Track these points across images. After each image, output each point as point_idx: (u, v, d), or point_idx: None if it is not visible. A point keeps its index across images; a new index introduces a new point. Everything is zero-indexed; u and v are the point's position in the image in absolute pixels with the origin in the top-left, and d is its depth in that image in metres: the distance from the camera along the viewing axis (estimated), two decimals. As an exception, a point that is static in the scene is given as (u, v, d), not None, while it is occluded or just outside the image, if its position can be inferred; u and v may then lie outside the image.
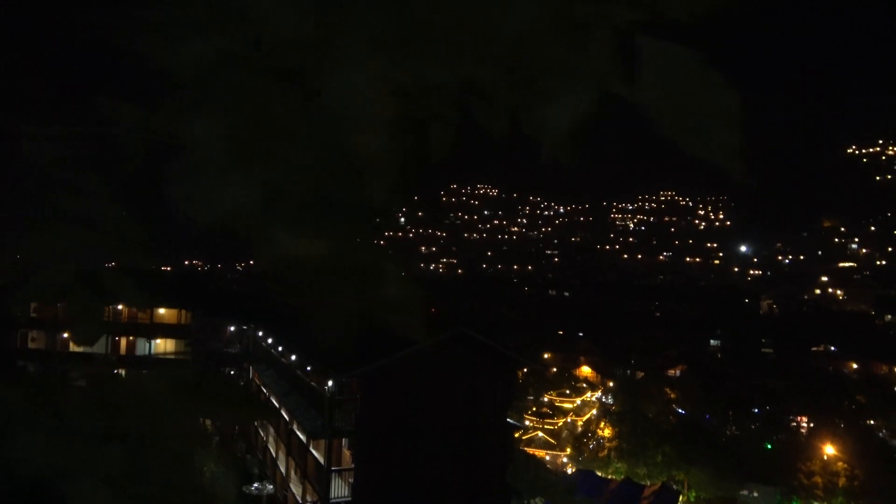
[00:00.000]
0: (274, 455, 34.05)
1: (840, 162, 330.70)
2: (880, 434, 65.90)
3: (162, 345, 49.60)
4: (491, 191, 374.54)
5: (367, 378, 23.90)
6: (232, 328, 58.56)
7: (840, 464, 54.70)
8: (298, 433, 27.72)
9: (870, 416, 69.49)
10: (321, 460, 24.49)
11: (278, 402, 32.06)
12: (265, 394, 36.61)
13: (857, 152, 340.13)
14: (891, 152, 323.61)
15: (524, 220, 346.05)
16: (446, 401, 24.74)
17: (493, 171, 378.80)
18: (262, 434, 38.39)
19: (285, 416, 30.44)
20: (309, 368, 28.74)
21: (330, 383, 24.94)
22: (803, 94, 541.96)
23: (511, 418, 35.03)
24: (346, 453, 25.67)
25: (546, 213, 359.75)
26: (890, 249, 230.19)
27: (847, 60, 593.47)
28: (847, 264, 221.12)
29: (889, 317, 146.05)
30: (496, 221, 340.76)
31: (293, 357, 31.58)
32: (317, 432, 24.59)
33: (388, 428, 23.93)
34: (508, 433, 28.17)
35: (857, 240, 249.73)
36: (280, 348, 35.06)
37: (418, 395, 24.31)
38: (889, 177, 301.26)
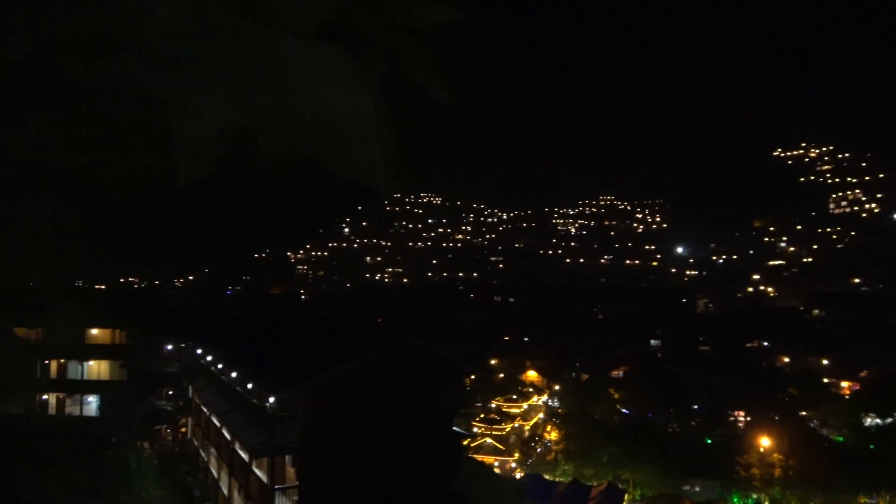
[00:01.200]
0: (216, 476, 33.05)
1: (767, 164, 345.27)
2: (812, 424, 68.65)
3: (95, 367, 47.53)
4: (435, 199, 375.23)
5: (312, 392, 23.47)
6: (170, 346, 56.74)
7: (776, 455, 56.70)
8: (241, 452, 27.00)
9: (802, 407, 72.37)
10: (264, 479, 23.91)
11: (219, 421, 31.17)
12: (206, 413, 35.56)
13: (782, 154, 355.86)
14: (813, 154, 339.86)
15: (468, 228, 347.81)
16: (393, 411, 24.53)
17: (436, 180, 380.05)
18: (203, 455, 37.24)
19: (227, 435, 29.61)
20: (251, 385, 28.05)
21: (272, 399, 24.39)
22: (733, 99, 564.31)
23: (459, 426, 35.05)
24: (291, 471, 25.11)
25: (490, 219, 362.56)
26: (815, 247, 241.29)
27: (774, 68, 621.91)
28: (777, 262, 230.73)
29: (817, 311, 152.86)
30: (440, 229, 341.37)
31: (234, 374, 30.78)
32: (259, 450, 24.00)
33: (334, 442, 23.55)
34: (456, 441, 28.15)
35: (785, 238, 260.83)
36: (221, 365, 34.13)
37: (364, 406, 24.02)
38: (812, 177, 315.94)
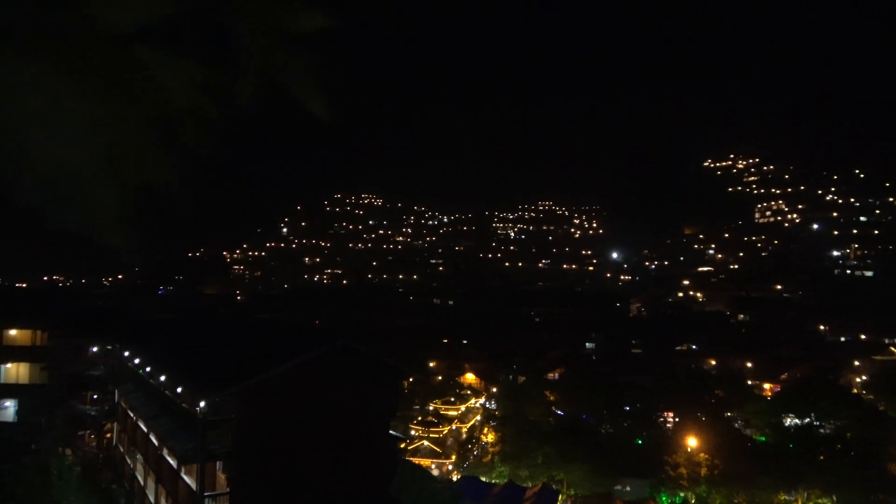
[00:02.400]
0: (142, 483, 31.89)
1: (698, 174, 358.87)
2: (736, 425, 71.39)
3: (14, 370, 45.12)
4: (376, 200, 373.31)
5: (244, 395, 22.94)
6: (95, 348, 54.42)
7: (702, 454, 58.77)
8: (169, 458, 26.14)
9: (727, 408, 75.12)
10: (193, 486, 23.21)
11: (147, 426, 30.10)
12: (132, 418, 34.28)
13: (712, 165, 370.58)
14: (741, 166, 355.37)
15: (409, 230, 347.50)
16: (328, 415, 24.23)
17: (378, 181, 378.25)
18: (129, 461, 35.86)
19: (155, 441, 28.62)
20: (181, 388, 27.19)
21: (203, 403, 23.71)
22: (667, 111, 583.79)
23: (396, 429, 34.90)
24: (221, 477, 24.47)
25: (430, 222, 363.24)
26: (741, 254, 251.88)
27: (706, 82, 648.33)
28: (706, 268, 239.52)
29: (742, 316, 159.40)
30: (381, 231, 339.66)
31: (164, 377, 29.78)
32: (189, 456, 23.29)
33: (268, 446, 23.08)
34: (392, 445, 28.01)
35: (713, 245, 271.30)
36: (149, 368, 32.96)
37: (298, 410, 23.64)
38: (739, 188, 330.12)
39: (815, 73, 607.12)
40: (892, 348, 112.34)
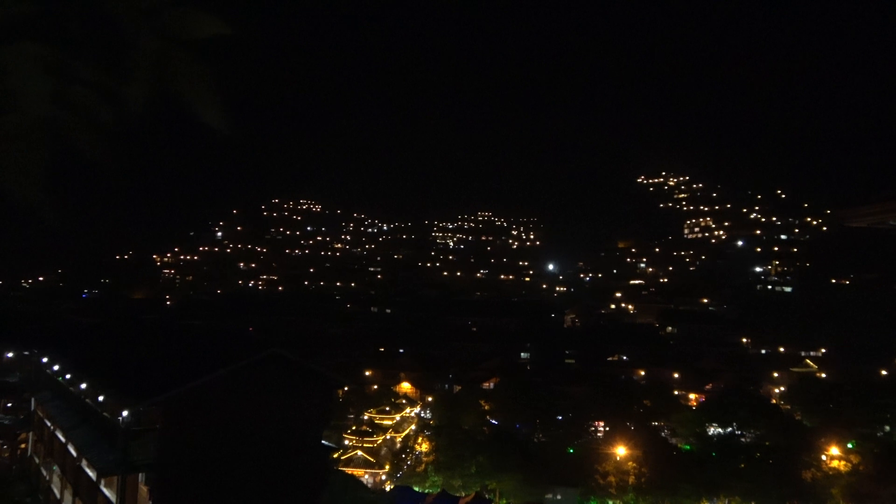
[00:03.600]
0: (59, 496, 30.37)
1: (632, 190, 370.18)
2: (663, 434, 73.60)
3: (-83, 376, 42.28)
4: (314, 206, 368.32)
5: (170, 405, 22.21)
6: (11, 354, 51.57)
7: (630, 463, 60.34)
8: (88, 470, 25.01)
9: (655, 417, 77.39)
10: (113, 499, 22.28)
11: (65, 436, 28.72)
12: (49, 427, 32.64)
13: (645, 182, 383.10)
14: (672, 183, 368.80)
15: (347, 237, 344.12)
16: (258, 425, 23.71)
17: (317, 187, 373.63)
18: (45, 473, 34.10)
19: (73, 452, 27.33)
20: (102, 397, 26.09)
21: (126, 413, 22.82)
22: (603, 128, 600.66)
23: (329, 439, 34.42)
24: (144, 489, 23.58)
25: (370, 230, 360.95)
26: (670, 268, 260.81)
27: (640, 102, 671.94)
28: (637, 282, 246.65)
29: (670, 328, 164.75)
30: (319, 237, 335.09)
31: (84, 385, 28.50)
32: (109, 468, 22.35)
33: (194, 457, 22.39)
34: (324, 455, 27.65)
35: (645, 259, 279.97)
36: (69, 375, 31.49)
37: (226, 420, 23.04)
38: (670, 204, 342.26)
39: (743, 99, 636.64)
40: (808, 361, 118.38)
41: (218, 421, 22.77)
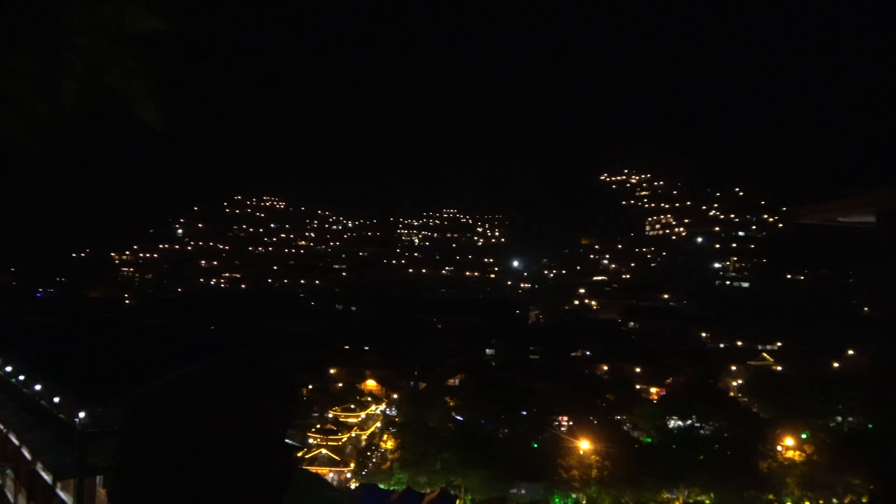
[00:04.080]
0: (13, 501, 29.52)
1: (595, 188, 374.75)
2: (625, 427, 74.89)
3: None
4: (278, 203, 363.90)
5: (130, 405, 21.78)
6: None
7: (593, 457, 61.25)
8: (43, 473, 24.37)
9: (617, 412, 78.67)
10: (69, 503, 21.77)
11: (18, 439, 27.92)
12: (2, 430, 31.68)
13: (608, 179, 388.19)
14: (634, 181, 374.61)
15: (312, 234, 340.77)
16: (220, 426, 23.40)
17: (280, 184, 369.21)
18: (-4, 478, 33.09)
19: (27, 455, 26.59)
20: (58, 398, 25.44)
21: (83, 414, 22.29)
22: (567, 126, 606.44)
23: (293, 438, 34.16)
24: (102, 492, 23.09)
25: (334, 227, 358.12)
26: (633, 265, 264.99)
27: (601, 99, 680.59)
28: (600, 278, 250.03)
29: (632, 324, 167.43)
30: (283, 235, 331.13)
31: (39, 386, 27.75)
32: (65, 470, 21.83)
33: (154, 459, 22.01)
34: (288, 454, 27.44)
35: (608, 256, 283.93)
36: (23, 376, 30.61)
37: (187, 421, 22.69)
38: (632, 202, 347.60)
39: (702, 99, 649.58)
40: (765, 354, 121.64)
41: (179, 421, 22.40)
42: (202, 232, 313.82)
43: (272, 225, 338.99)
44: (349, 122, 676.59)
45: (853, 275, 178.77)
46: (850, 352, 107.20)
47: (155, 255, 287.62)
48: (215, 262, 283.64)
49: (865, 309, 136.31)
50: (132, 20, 2.05)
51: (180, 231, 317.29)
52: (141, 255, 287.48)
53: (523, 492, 58.27)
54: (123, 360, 26.67)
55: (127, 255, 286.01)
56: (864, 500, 52.95)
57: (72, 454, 21.93)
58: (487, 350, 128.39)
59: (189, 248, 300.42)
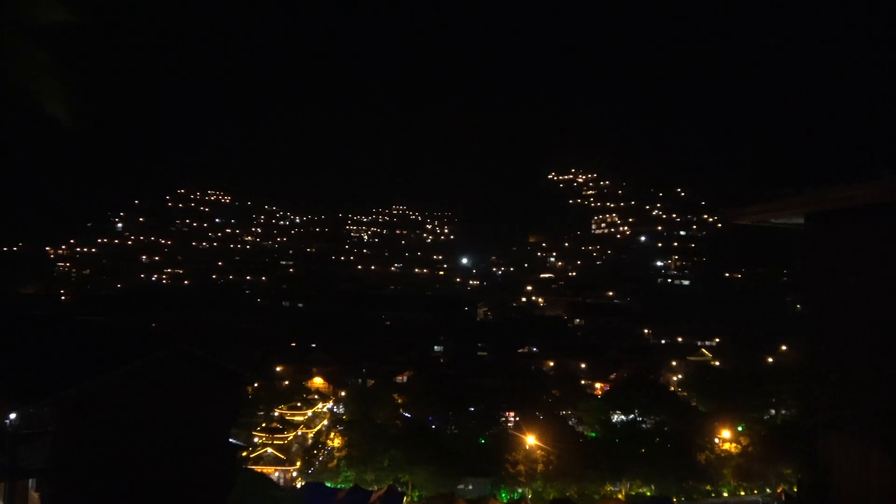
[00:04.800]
0: (-65, 507, 28.09)
1: (543, 186, 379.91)
2: (570, 422, 76.26)
3: None
4: (223, 197, 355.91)
5: (64, 406, 20.99)
6: None
7: (539, 451, 62.20)
8: (-30, 478, 23.25)
9: (563, 407, 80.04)
10: (-1, 507, 20.86)
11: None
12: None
13: (556, 178, 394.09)
14: (581, 180, 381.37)
15: (258, 230, 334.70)
16: (161, 424, 22.80)
17: (226, 178, 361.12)
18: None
19: (-48, 459, 25.32)
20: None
21: (13, 415, 21.38)
22: (516, 125, 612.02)
23: (237, 437, 33.53)
24: (35, 496, 22.20)
25: (282, 222, 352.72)
26: (579, 262, 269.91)
27: (551, 100, 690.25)
28: (547, 275, 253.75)
29: (578, 320, 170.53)
30: (228, 230, 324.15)
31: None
32: (-6, 474, 20.88)
33: (90, 461, 21.28)
34: (232, 453, 26.91)
35: (555, 254, 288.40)
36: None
37: (127, 420, 22.03)
38: (579, 200, 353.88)
39: (645, 101, 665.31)
40: (704, 350, 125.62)
41: (117, 421, 21.73)
42: (143, 226, 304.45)
43: (217, 219, 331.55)
44: (298, 116, 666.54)
45: (787, 273, 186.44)
46: (784, 347, 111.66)
47: (93, 250, 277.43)
48: (157, 258, 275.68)
49: (798, 306, 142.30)
50: (39, 12, 2.00)
51: (120, 225, 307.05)
52: (78, 249, 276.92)
53: (470, 487, 58.71)
54: (57, 359, 25.67)
55: (63, 249, 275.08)
56: (794, 490, 55.30)
57: (2, 457, 21.01)
58: (436, 347, 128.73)
59: (129, 242, 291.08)
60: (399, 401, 77.92)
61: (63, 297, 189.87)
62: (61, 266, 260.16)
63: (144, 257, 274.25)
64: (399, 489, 54.21)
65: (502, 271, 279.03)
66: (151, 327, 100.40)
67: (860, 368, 6.86)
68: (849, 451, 6.95)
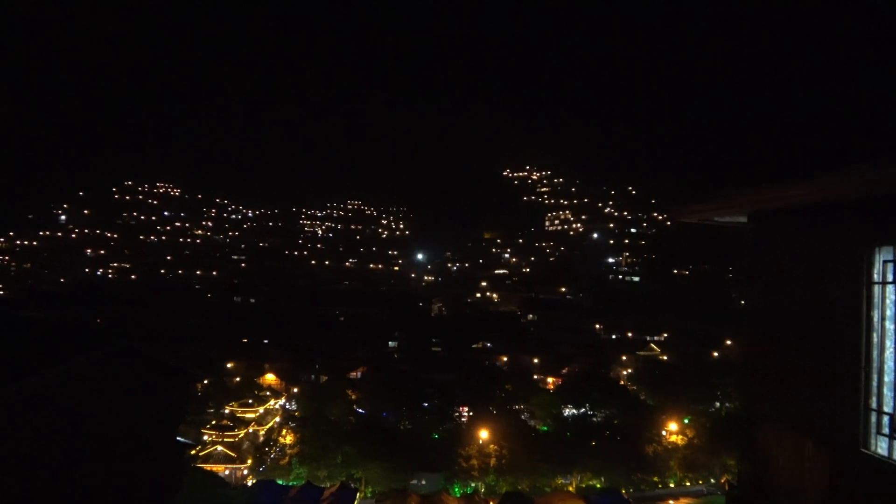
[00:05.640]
0: None
1: (498, 183, 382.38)
2: (523, 416, 77.07)
3: None
4: (173, 190, 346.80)
5: (1, 405, 20.17)
6: None
7: (492, 446, 62.74)
8: None
9: (515, 401, 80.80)
10: (-70, 511, 19.93)
11: None
12: None
13: (510, 175, 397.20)
14: (535, 177, 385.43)
15: (209, 224, 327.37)
16: (105, 423, 22.13)
17: (176, 170, 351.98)
18: None
19: None
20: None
21: (-54, 416, 20.43)
22: (471, 122, 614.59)
23: (186, 435, 32.84)
24: (-32, 498, 21.27)
25: (234, 216, 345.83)
26: (533, 258, 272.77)
27: (506, 98, 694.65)
28: (501, 271, 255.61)
29: (531, 316, 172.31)
30: (178, 223, 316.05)
31: None
32: (-75, 477, 19.91)
33: (29, 462, 20.52)
34: (180, 452, 26.31)
35: (509, 250, 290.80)
36: None
37: (69, 419, 21.31)
38: (534, 197, 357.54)
39: (598, 100, 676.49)
40: (653, 345, 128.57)
41: (58, 421, 21.00)
42: (88, 219, 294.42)
43: (166, 213, 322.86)
44: (251, 109, 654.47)
45: (731, 270, 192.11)
46: (728, 342, 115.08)
47: (34, 243, 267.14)
48: (102, 251, 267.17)
49: (742, 302, 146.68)
50: None
51: (63, 217, 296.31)
52: (18, 242, 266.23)
53: (424, 482, 58.84)
54: (-6, 356, 24.66)
55: (2, 242, 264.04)
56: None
57: (-68, 459, 20.08)
58: (390, 342, 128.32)
59: (73, 235, 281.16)
60: (353, 397, 77.48)
61: (1, 292, 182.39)
62: (0, 259, 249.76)
63: (89, 251, 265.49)
64: (352, 485, 54.00)
65: (457, 267, 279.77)
66: (96, 323, 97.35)
67: (795, 362, 7.13)
68: (784, 441, 7.22)
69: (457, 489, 59.79)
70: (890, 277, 5.83)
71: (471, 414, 74.57)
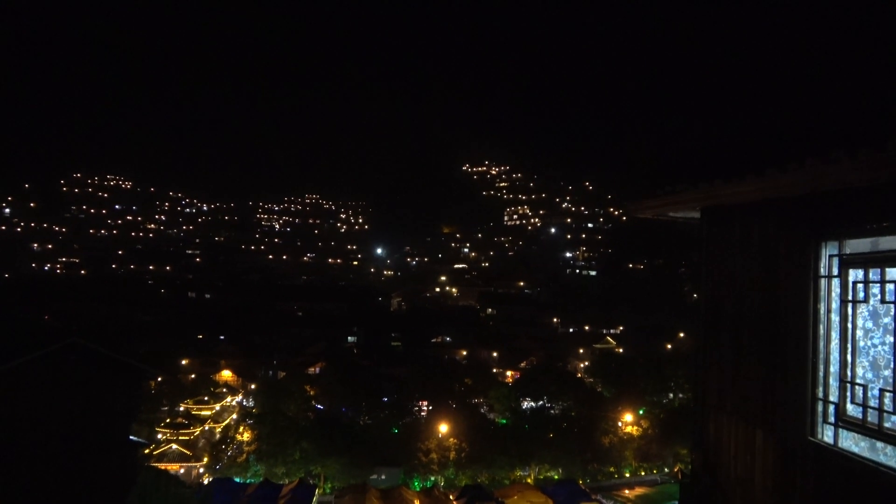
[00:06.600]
0: None
1: (457, 178, 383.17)
2: (482, 410, 77.56)
3: None
4: (124, 183, 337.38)
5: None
6: None
7: (451, 440, 63.00)
8: None
9: (474, 395, 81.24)
10: None
11: None
12: None
13: (469, 170, 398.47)
14: (494, 172, 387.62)
15: (162, 217, 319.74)
16: (53, 423, 21.47)
17: (127, 162, 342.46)
18: None
19: None
20: None
21: None
22: (430, 118, 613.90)
23: (139, 434, 32.08)
24: None
25: (187, 210, 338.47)
26: (492, 253, 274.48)
27: (465, 94, 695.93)
28: (460, 266, 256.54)
29: (490, 310, 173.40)
30: (129, 217, 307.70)
31: None
32: None
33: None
34: (132, 451, 25.70)
35: (468, 245, 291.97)
36: None
37: (15, 418, 20.60)
38: (492, 192, 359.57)
39: (556, 97, 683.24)
40: (608, 338, 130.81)
41: (4, 420, 20.28)
42: (33, 211, 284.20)
43: (116, 206, 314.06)
44: (207, 100, 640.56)
45: (684, 265, 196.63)
46: (681, 334, 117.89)
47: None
48: (50, 246, 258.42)
49: (695, 296, 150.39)
50: None
51: (7, 210, 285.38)
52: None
53: (383, 477, 58.77)
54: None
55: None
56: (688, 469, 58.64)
57: None
58: (349, 337, 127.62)
59: (18, 229, 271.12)
60: (311, 392, 76.72)
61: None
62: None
63: (35, 245, 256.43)
64: (311, 482, 53.51)
65: (416, 262, 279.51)
66: (43, 320, 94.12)
67: (744, 355, 7.34)
68: (735, 432, 7.43)
69: (416, 483, 59.89)
70: (835, 271, 6.04)
71: (430, 408, 74.64)
